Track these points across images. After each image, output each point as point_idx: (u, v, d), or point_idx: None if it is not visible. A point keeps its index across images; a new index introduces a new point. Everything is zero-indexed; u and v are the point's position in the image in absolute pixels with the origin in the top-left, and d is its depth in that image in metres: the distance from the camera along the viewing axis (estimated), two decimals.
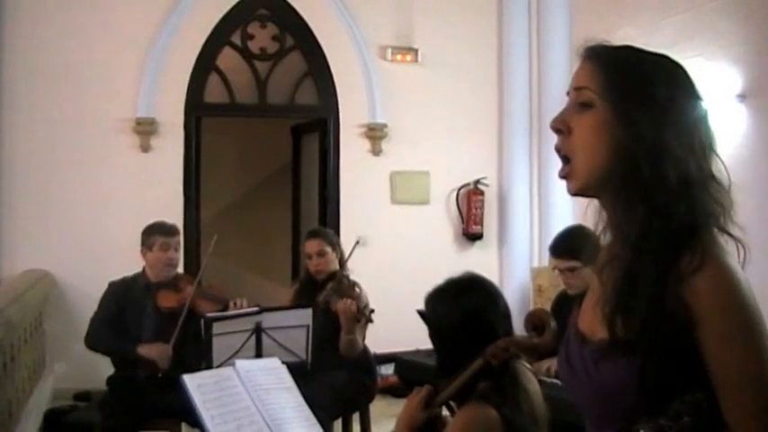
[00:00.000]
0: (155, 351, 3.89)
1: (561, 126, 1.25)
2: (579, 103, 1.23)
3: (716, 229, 1.18)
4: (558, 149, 1.26)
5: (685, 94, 1.23)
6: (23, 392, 4.48)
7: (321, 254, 4.08)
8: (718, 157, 1.22)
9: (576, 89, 1.25)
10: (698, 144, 1.20)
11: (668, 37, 5.33)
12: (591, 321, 1.24)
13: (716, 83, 4.92)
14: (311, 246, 4.12)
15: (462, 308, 2.07)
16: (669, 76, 1.23)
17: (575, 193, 1.25)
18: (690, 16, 5.19)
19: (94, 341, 4.04)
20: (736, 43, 4.82)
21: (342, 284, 3.97)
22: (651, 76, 1.22)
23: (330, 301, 3.89)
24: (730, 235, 1.19)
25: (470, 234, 6.84)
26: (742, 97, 4.75)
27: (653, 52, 1.28)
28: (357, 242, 4.13)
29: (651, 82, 1.21)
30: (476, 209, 6.80)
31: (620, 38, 5.04)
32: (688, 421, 1.14)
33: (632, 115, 1.18)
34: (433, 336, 2.18)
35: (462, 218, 6.87)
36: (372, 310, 3.87)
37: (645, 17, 5.59)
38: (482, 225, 6.85)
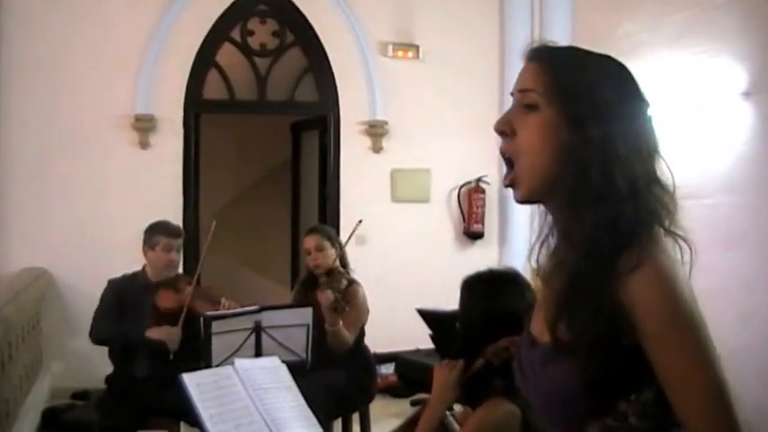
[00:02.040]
0: (164, 333, 3.90)
1: (505, 128, 1.23)
2: (524, 105, 1.22)
3: (662, 231, 1.18)
4: (502, 152, 1.24)
5: (631, 95, 1.22)
6: (21, 391, 4.46)
7: (319, 248, 4.10)
8: (663, 160, 1.22)
9: (520, 91, 1.23)
10: (645, 147, 1.20)
11: (671, 34, 5.30)
12: (540, 325, 1.25)
13: (720, 80, 4.87)
14: (309, 241, 4.14)
15: (494, 300, 2.11)
16: (615, 78, 1.23)
17: (522, 200, 1.23)
18: (693, 13, 5.13)
19: (100, 332, 4.02)
20: (740, 40, 4.76)
21: (333, 277, 3.97)
22: (597, 77, 1.21)
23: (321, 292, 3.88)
24: (676, 235, 1.19)
25: (471, 233, 6.81)
26: (746, 95, 4.70)
27: (598, 53, 1.27)
28: (359, 222, 4.11)
29: (597, 83, 1.20)
30: (477, 207, 6.76)
31: (621, 34, 5.02)
32: (634, 421, 1.14)
33: (579, 118, 1.17)
34: (461, 319, 2.22)
35: (463, 216, 6.83)
36: (348, 302, 3.84)
37: (647, 14, 5.54)
38: (483, 224, 6.81)
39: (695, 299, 1.14)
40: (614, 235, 1.15)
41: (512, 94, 1.25)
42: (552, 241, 1.26)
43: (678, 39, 5.22)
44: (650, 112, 1.24)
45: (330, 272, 4.06)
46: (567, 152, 1.17)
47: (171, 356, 3.87)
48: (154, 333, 3.91)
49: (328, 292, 3.77)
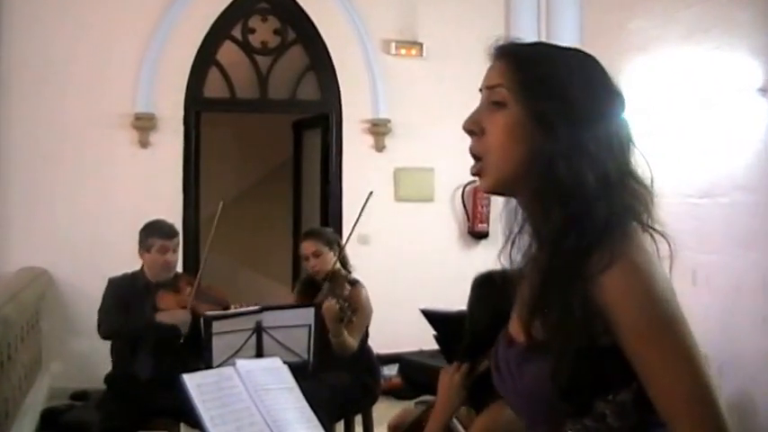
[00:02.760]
0: (175, 315, 3.89)
1: (474, 127, 1.22)
2: (492, 102, 1.21)
3: (637, 226, 1.17)
4: (471, 152, 1.23)
5: (601, 89, 1.21)
6: (20, 391, 4.45)
7: (317, 254, 4.03)
8: (638, 150, 1.21)
9: (488, 88, 1.23)
10: (616, 140, 1.19)
11: (684, 29, 5.21)
12: (517, 325, 1.24)
13: (735, 76, 4.78)
14: (306, 247, 4.07)
15: (504, 300, 2.08)
16: (583, 72, 1.21)
17: (487, 190, 1.23)
18: (706, 7, 5.03)
19: (109, 324, 3.96)
20: (755, 34, 4.65)
21: (336, 283, 3.91)
22: (565, 72, 1.20)
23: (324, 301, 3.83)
24: (653, 229, 1.18)
25: (476, 232, 6.75)
26: (763, 91, 4.60)
27: (565, 47, 1.27)
28: (371, 193, 4.07)
29: (565, 78, 1.19)
30: (482, 207, 6.70)
31: (632, 30, 4.94)
32: (613, 421, 1.13)
33: (547, 115, 1.16)
34: (468, 319, 2.23)
35: (468, 216, 6.78)
36: (355, 311, 3.81)
37: (659, 9, 5.45)
38: (488, 223, 6.75)
39: (674, 294, 1.12)
40: (584, 233, 1.13)
41: (480, 91, 1.24)
42: (524, 239, 1.25)
43: (691, 34, 5.14)
44: (622, 105, 1.22)
45: (331, 275, 4.00)
46: (534, 150, 1.16)
47: (181, 339, 3.84)
48: (164, 317, 3.89)
49: (332, 303, 3.71)
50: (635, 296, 1.09)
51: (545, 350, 1.14)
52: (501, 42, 1.26)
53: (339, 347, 3.80)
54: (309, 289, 4.10)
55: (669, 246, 1.18)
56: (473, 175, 1.24)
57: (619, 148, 1.18)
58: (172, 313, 3.90)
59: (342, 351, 3.82)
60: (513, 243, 1.26)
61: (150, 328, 3.87)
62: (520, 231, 1.25)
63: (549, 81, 1.18)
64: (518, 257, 1.26)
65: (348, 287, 3.91)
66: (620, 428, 1.13)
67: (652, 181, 1.20)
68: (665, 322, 1.10)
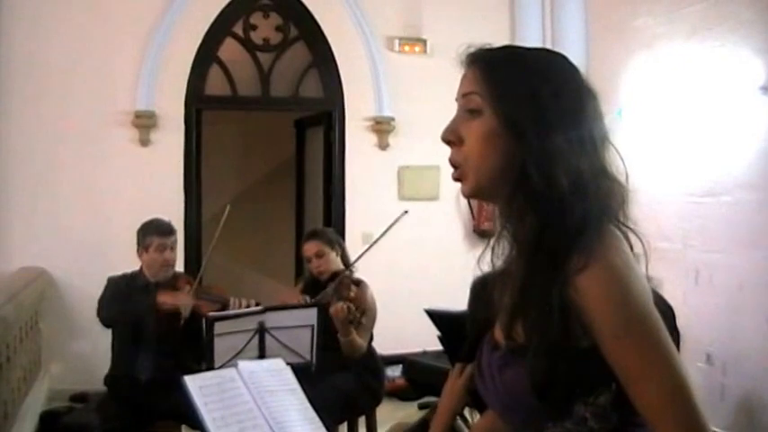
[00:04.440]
0: (177, 298, 3.91)
1: (452, 137, 1.25)
2: (468, 110, 1.23)
3: (612, 226, 1.18)
4: (451, 162, 1.26)
5: (570, 87, 1.22)
6: (19, 393, 4.44)
7: (320, 255, 4.04)
8: (612, 146, 1.22)
9: (463, 96, 1.25)
10: (588, 138, 1.19)
11: (687, 27, 5.21)
12: (500, 329, 1.26)
13: (738, 74, 4.76)
14: (309, 248, 4.07)
15: None
16: (554, 73, 1.22)
17: (468, 195, 1.26)
18: (710, 5, 5.03)
19: (109, 310, 3.93)
20: (759, 33, 4.64)
21: (342, 285, 3.89)
22: (535, 74, 1.21)
23: (330, 303, 3.82)
24: (627, 228, 1.19)
25: (481, 231, 6.60)
26: (765, 89, 4.59)
27: (533, 48, 1.30)
28: (405, 212, 4.11)
29: (535, 81, 1.20)
30: (487, 205, 6.64)
31: (636, 28, 4.91)
32: (593, 424, 1.15)
33: (518, 122, 1.18)
34: (468, 317, 2.21)
35: (473, 214, 6.63)
36: (363, 312, 3.82)
37: (663, 6, 5.44)
38: (493, 222, 6.69)
39: (649, 295, 1.13)
40: (559, 235, 1.14)
41: (456, 100, 1.26)
42: (503, 245, 1.27)
43: (695, 32, 5.14)
44: (595, 103, 1.22)
45: (335, 276, 3.99)
46: (508, 157, 1.19)
47: (182, 322, 3.85)
48: (167, 297, 3.90)
49: (341, 305, 3.70)
50: (611, 298, 1.10)
51: (525, 354, 1.15)
52: (471, 49, 1.27)
53: (348, 348, 3.79)
54: (313, 289, 4.08)
55: (642, 244, 1.18)
56: (455, 180, 1.26)
57: (592, 147, 1.19)
58: (174, 295, 3.93)
59: (351, 352, 3.82)
60: (492, 249, 1.28)
61: (152, 311, 3.87)
62: (498, 237, 1.26)
63: (519, 87, 1.19)
64: (498, 263, 1.27)
65: (353, 288, 3.90)
66: (600, 430, 1.15)
67: (627, 177, 1.20)
68: (641, 323, 1.11)
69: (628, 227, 1.20)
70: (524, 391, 1.15)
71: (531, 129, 1.16)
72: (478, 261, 1.31)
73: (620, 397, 1.13)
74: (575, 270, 1.11)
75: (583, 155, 1.17)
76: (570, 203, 1.15)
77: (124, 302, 3.91)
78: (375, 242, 4.04)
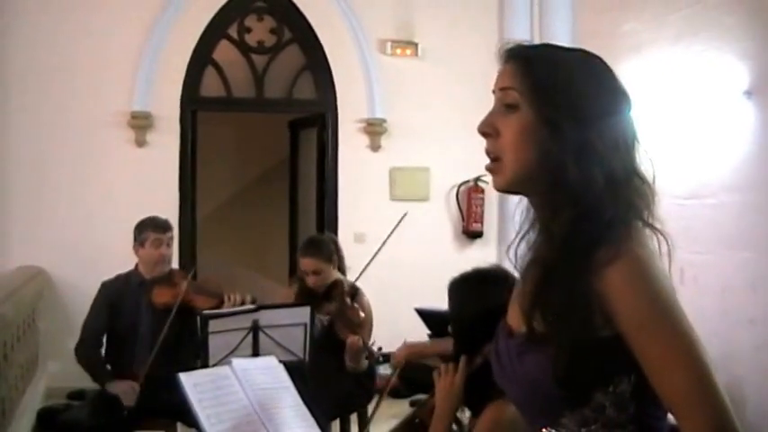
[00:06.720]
0: (122, 387, 3.86)
1: (489, 129, 1.26)
2: (505, 105, 1.24)
3: (639, 223, 1.20)
4: (487, 152, 1.26)
5: (606, 87, 1.24)
6: (17, 391, 4.41)
7: (317, 272, 3.95)
8: (643, 150, 1.25)
9: (501, 89, 1.26)
10: (622, 139, 1.22)
11: (673, 32, 5.26)
12: (516, 316, 1.27)
13: (722, 79, 4.83)
14: (306, 264, 3.98)
15: (485, 299, 2.07)
16: (591, 73, 1.25)
17: (500, 188, 1.27)
18: (695, 11, 5.09)
19: (81, 354, 4.07)
20: (743, 38, 4.72)
21: (345, 306, 3.86)
22: (572, 74, 1.23)
23: (335, 323, 3.87)
24: (653, 227, 1.21)
25: (470, 232, 6.77)
26: (749, 94, 4.66)
27: (574, 48, 1.32)
28: (405, 214, 4.16)
29: (573, 80, 1.22)
30: (476, 206, 6.71)
31: (624, 33, 4.97)
32: (611, 412, 1.16)
33: (555, 119, 1.20)
34: (452, 322, 2.22)
35: (462, 215, 6.79)
36: (380, 348, 3.88)
37: (650, 12, 5.51)
38: (482, 223, 6.76)
39: (673, 289, 1.16)
40: (592, 229, 1.17)
41: (493, 92, 1.27)
42: (532, 236, 1.29)
43: (680, 37, 5.19)
44: (628, 103, 1.25)
45: (331, 287, 3.97)
46: (545, 153, 1.20)
47: (124, 412, 3.80)
48: (113, 387, 3.89)
49: (356, 338, 3.76)
50: (637, 288, 1.13)
51: (545, 341, 1.17)
52: (510, 45, 1.28)
53: (353, 369, 3.88)
54: (308, 298, 4.00)
55: (667, 243, 1.21)
56: (488, 170, 1.27)
57: (624, 147, 1.22)
58: (121, 385, 3.88)
59: (354, 370, 3.90)
60: (522, 239, 1.30)
61: (148, 308, 3.97)
62: (530, 229, 1.29)
63: (557, 84, 1.21)
64: (523, 253, 1.30)
65: (349, 301, 3.87)
66: (618, 419, 1.17)
67: (654, 179, 1.24)
68: (666, 313, 1.13)
69: (654, 226, 1.22)
70: (545, 379, 1.17)
71: (569, 126, 1.19)
72: (507, 251, 1.31)
73: (639, 387, 1.15)
74: (603, 262, 1.13)
75: (616, 154, 1.20)
76: (603, 200, 1.18)
77: (90, 365, 4.02)
78: (380, 249, 4.04)
